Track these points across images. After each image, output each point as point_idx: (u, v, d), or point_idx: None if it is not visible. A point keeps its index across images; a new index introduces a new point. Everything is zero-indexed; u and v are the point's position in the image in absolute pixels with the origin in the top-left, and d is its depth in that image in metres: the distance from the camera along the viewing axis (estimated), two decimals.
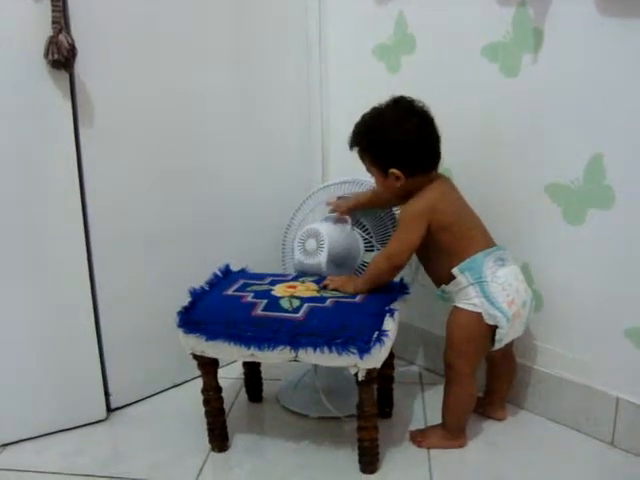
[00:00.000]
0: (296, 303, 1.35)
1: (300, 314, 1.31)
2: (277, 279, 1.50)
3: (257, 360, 1.39)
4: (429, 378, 1.81)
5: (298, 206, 1.73)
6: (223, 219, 1.80)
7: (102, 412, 1.62)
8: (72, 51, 1.36)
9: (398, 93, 1.44)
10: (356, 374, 1.30)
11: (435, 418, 1.52)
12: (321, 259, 1.49)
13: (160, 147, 1.63)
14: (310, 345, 1.27)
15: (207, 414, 1.47)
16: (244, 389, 1.71)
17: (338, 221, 1.58)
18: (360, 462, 1.39)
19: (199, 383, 1.47)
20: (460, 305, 1.41)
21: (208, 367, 1.44)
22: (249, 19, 1.77)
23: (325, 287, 1.44)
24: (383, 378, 1.54)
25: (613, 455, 1.45)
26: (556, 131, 1.45)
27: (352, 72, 1.88)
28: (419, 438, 1.49)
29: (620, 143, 1.35)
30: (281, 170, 1.94)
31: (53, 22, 1.34)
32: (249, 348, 1.32)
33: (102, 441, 1.56)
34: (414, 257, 1.51)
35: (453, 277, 1.41)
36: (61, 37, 1.34)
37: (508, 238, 1.47)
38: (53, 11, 1.33)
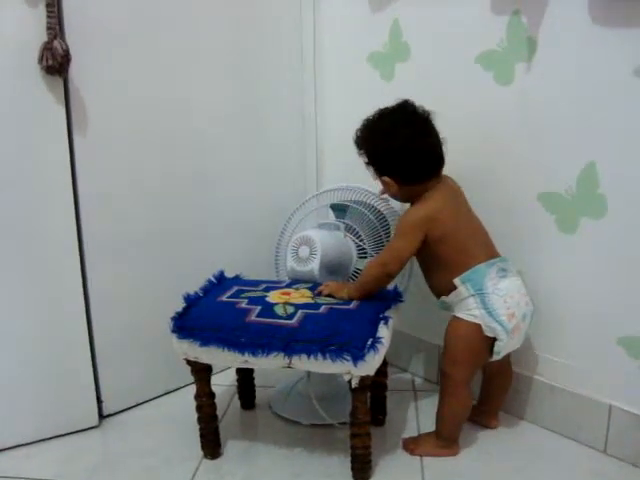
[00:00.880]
0: (290, 310, 1.35)
1: (294, 321, 1.31)
2: (271, 285, 1.50)
3: (251, 366, 1.39)
4: (422, 386, 1.81)
5: (292, 212, 1.74)
6: (217, 225, 1.81)
7: (94, 419, 1.61)
8: (66, 57, 1.37)
9: (392, 101, 1.44)
10: (350, 381, 1.30)
11: (428, 426, 1.52)
12: (314, 266, 1.49)
13: (154, 153, 1.63)
14: (304, 352, 1.27)
15: (200, 420, 1.46)
16: (237, 396, 1.71)
17: (331, 228, 1.59)
18: (352, 470, 1.38)
19: (192, 390, 1.46)
20: (460, 315, 1.40)
21: (201, 373, 1.43)
22: (244, 26, 1.78)
23: (319, 293, 1.44)
24: (376, 385, 1.54)
25: (606, 463, 1.45)
26: (549, 140, 1.46)
27: (347, 80, 1.89)
28: (412, 446, 1.49)
29: (613, 151, 1.36)
30: (275, 176, 1.94)
31: (48, 28, 1.34)
32: (243, 354, 1.32)
33: (94, 448, 1.55)
34: (408, 265, 1.52)
35: (452, 288, 1.40)
36: (55, 43, 1.35)
37: (502, 246, 1.47)
38: (48, 17, 1.34)
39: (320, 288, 1.44)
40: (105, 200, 1.56)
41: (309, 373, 1.57)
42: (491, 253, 1.43)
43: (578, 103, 1.39)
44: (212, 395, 1.46)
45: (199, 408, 1.45)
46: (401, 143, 1.38)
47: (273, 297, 1.41)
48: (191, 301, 1.44)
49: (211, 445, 1.48)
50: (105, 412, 1.65)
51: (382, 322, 1.33)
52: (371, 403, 1.56)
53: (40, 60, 1.35)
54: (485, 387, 1.58)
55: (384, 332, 1.31)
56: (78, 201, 1.51)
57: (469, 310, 1.38)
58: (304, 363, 1.29)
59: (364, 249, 1.59)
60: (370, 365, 1.27)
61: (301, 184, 1.99)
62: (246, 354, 1.31)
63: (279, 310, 1.34)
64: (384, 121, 1.42)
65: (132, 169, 1.60)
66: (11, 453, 1.50)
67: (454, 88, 1.61)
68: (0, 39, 1.34)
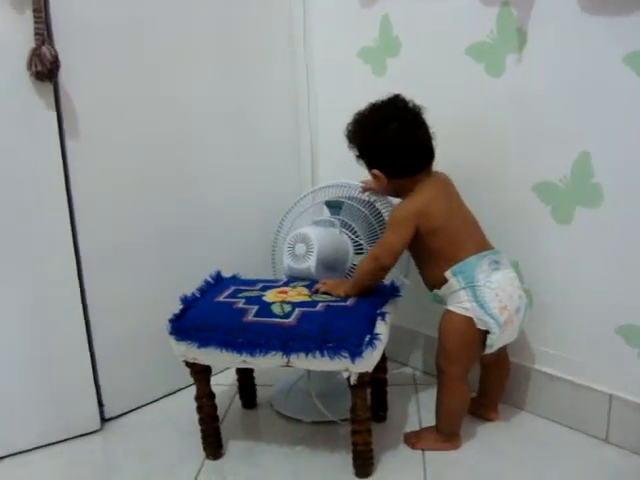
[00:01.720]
0: (287, 308, 1.35)
1: (291, 319, 1.31)
2: (268, 285, 1.50)
3: (249, 366, 1.39)
4: (423, 379, 1.81)
5: (287, 210, 1.73)
6: (213, 225, 1.80)
7: (96, 422, 1.61)
8: (55, 63, 1.36)
9: (384, 95, 1.44)
10: (348, 378, 1.30)
11: (430, 419, 1.52)
12: (310, 263, 1.49)
13: (147, 154, 1.63)
14: (302, 350, 1.27)
15: (201, 421, 1.47)
16: (238, 395, 1.71)
17: (327, 225, 1.58)
18: (354, 466, 1.39)
19: (193, 391, 1.46)
20: (452, 308, 1.40)
21: (201, 374, 1.43)
22: (234, 24, 1.77)
23: (316, 291, 1.44)
24: (376, 381, 1.54)
25: (607, 451, 1.45)
26: (542, 130, 1.46)
27: (338, 75, 1.88)
28: (413, 440, 1.49)
29: (606, 141, 1.36)
30: (270, 174, 1.94)
31: (36, 34, 1.34)
32: (241, 354, 1.32)
33: (97, 451, 1.56)
34: (404, 259, 1.52)
35: (445, 281, 1.40)
36: (44, 49, 1.34)
37: (497, 238, 1.46)
38: (35, 23, 1.33)
39: (317, 286, 1.44)
40: (100, 203, 1.55)
41: (309, 371, 1.57)
42: (483, 245, 1.43)
43: (569, 93, 1.39)
44: (212, 396, 1.46)
45: (200, 409, 1.46)
46: (391, 136, 1.39)
47: (270, 296, 1.41)
48: (188, 302, 1.44)
49: (213, 445, 1.48)
50: (107, 415, 1.65)
51: (379, 318, 1.33)
52: (372, 399, 1.56)
53: (29, 66, 1.35)
54: (483, 380, 1.58)
55: (382, 328, 1.31)
56: (72, 205, 1.50)
57: (461, 303, 1.38)
58: (302, 361, 1.29)
59: (360, 245, 1.59)
60: (368, 361, 1.27)
61: (296, 181, 1.98)
62: (244, 354, 1.31)
63: (276, 309, 1.34)
64: (374, 114, 1.43)
65: (125, 172, 1.59)
66: (13, 460, 1.51)
67: (446, 81, 1.61)
68: None
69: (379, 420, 1.58)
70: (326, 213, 1.66)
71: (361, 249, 1.59)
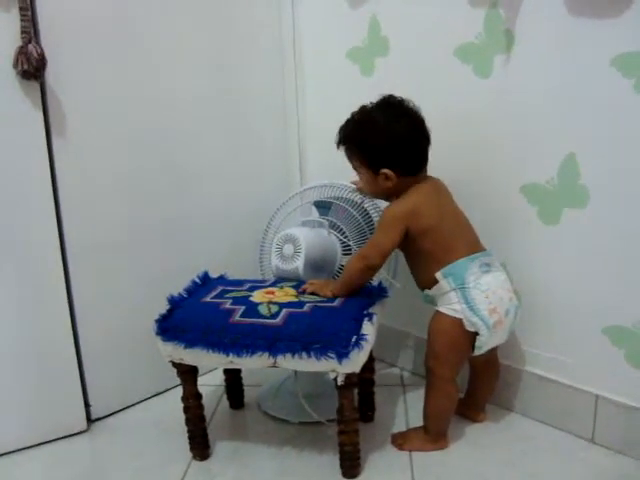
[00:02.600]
0: (274, 309, 1.34)
1: (278, 320, 1.31)
2: (256, 285, 1.50)
3: (236, 367, 1.39)
4: (411, 380, 1.81)
5: (276, 210, 1.73)
6: (201, 225, 1.80)
7: (82, 423, 1.60)
8: (42, 61, 1.36)
9: (373, 95, 1.44)
10: (335, 379, 1.30)
11: (417, 420, 1.52)
12: (298, 264, 1.49)
13: (135, 154, 1.63)
14: (288, 351, 1.27)
15: (187, 422, 1.46)
16: (225, 396, 1.70)
17: (315, 225, 1.58)
18: (341, 467, 1.38)
19: (180, 391, 1.45)
20: (442, 309, 1.40)
21: (187, 375, 1.43)
22: (223, 24, 1.77)
23: (304, 292, 1.43)
24: (364, 382, 1.54)
25: (594, 451, 1.46)
26: (530, 131, 1.46)
27: (327, 75, 1.89)
28: (400, 441, 1.49)
29: (593, 142, 1.36)
30: (259, 175, 1.94)
31: (22, 32, 1.33)
32: (228, 355, 1.31)
33: (83, 452, 1.55)
34: (392, 260, 1.52)
35: (435, 282, 1.40)
36: (30, 47, 1.34)
37: (485, 239, 1.46)
38: (22, 21, 1.33)
39: (304, 286, 1.44)
40: (86, 202, 1.55)
41: (296, 371, 1.57)
42: (474, 248, 1.43)
43: (556, 94, 1.40)
44: (199, 396, 1.45)
45: (186, 409, 1.45)
46: (405, 131, 1.39)
47: (257, 297, 1.40)
48: (175, 303, 1.43)
49: (200, 446, 1.48)
50: (93, 416, 1.64)
51: (366, 319, 1.32)
52: (359, 399, 1.56)
53: (15, 65, 1.34)
54: (472, 381, 1.58)
55: (368, 329, 1.31)
56: (59, 204, 1.50)
57: (450, 304, 1.38)
58: (289, 362, 1.29)
59: (348, 246, 1.59)
60: (355, 362, 1.27)
61: (284, 182, 1.98)
62: (231, 355, 1.30)
63: (263, 310, 1.34)
64: (384, 112, 1.41)
65: (113, 171, 1.59)
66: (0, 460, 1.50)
67: (434, 81, 1.61)
68: None
69: (366, 420, 1.58)
70: (315, 213, 1.66)
71: (349, 250, 1.59)
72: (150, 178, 1.66)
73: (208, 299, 1.43)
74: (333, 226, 1.61)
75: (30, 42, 1.34)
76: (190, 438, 1.47)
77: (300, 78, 1.95)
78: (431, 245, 1.39)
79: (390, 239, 1.39)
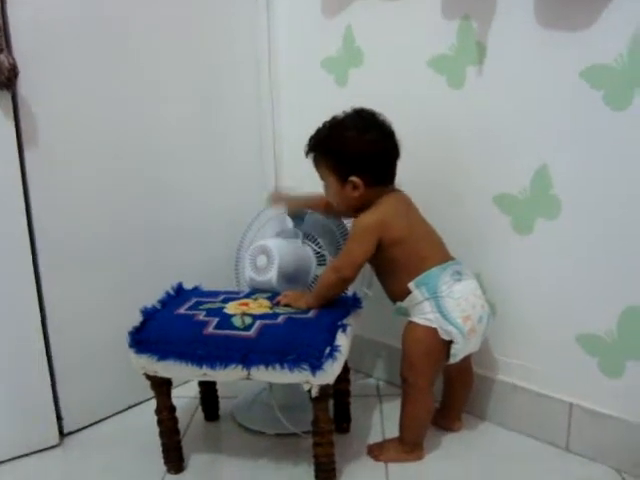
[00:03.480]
0: (248, 321, 1.33)
1: (252, 332, 1.30)
2: (230, 296, 1.49)
3: (210, 379, 1.38)
4: (387, 390, 1.81)
5: (251, 221, 1.72)
6: (176, 236, 1.79)
7: (55, 437, 1.58)
8: (13, 71, 1.34)
9: (347, 105, 1.44)
10: (309, 390, 1.29)
11: (393, 430, 1.51)
12: (272, 275, 1.48)
13: (108, 165, 1.61)
14: (262, 363, 1.26)
15: (161, 435, 1.45)
16: (200, 408, 1.69)
17: (289, 236, 1.58)
18: (317, 478, 1.38)
19: (154, 403, 1.44)
20: (415, 320, 1.41)
21: (161, 387, 1.41)
22: (198, 35, 1.77)
23: (278, 303, 1.43)
24: (339, 393, 1.54)
25: (568, 459, 1.47)
26: (502, 142, 1.47)
27: (302, 85, 1.89)
28: (376, 452, 1.49)
29: (564, 153, 1.38)
30: (234, 185, 1.93)
31: None
32: (201, 367, 1.30)
33: (55, 467, 1.52)
34: (366, 270, 1.51)
35: (408, 292, 1.40)
36: (2, 57, 1.32)
37: (459, 249, 1.47)
38: None
39: (278, 298, 1.43)
40: (59, 214, 1.53)
41: (271, 383, 1.56)
42: (445, 257, 1.43)
43: (528, 106, 1.41)
44: (173, 409, 1.44)
45: (160, 422, 1.44)
46: (376, 139, 1.39)
47: (231, 308, 1.40)
48: (148, 314, 1.42)
49: (174, 459, 1.46)
50: (66, 430, 1.62)
51: (340, 330, 1.32)
52: (335, 410, 1.56)
53: None
54: (447, 390, 1.58)
55: (342, 340, 1.31)
56: (31, 217, 1.48)
57: (424, 314, 1.39)
58: (263, 374, 1.28)
59: (323, 256, 1.59)
60: (329, 374, 1.26)
61: (259, 192, 1.97)
62: (204, 367, 1.29)
63: (237, 321, 1.33)
64: (356, 120, 1.41)
65: (86, 182, 1.57)
66: None
67: (408, 92, 1.62)
68: None
69: (342, 431, 1.58)
70: (290, 224, 1.66)
71: (324, 260, 1.58)
72: (124, 190, 1.65)
73: (182, 311, 1.42)
74: (307, 236, 1.60)
75: (2, 52, 1.33)
76: (164, 451, 1.46)
77: (275, 88, 1.95)
78: (403, 255, 1.40)
79: (362, 250, 1.39)
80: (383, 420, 1.65)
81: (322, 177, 1.47)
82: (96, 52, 1.55)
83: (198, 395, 1.68)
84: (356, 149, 1.39)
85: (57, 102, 1.49)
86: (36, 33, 1.43)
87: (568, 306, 1.44)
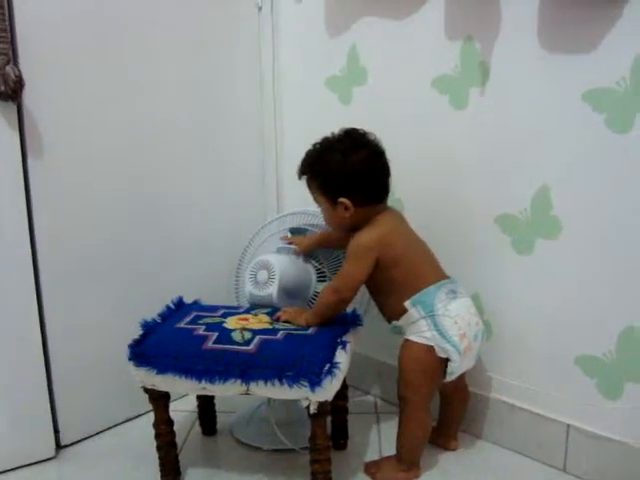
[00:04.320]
0: (248, 336, 1.34)
1: (251, 347, 1.30)
2: (230, 311, 1.49)
3: (209, 393, 1.38)
4: (385, 408, 1.81)
5: (252, 236, 1.73)
6: (177, 250, 1.80)
7: (51, 450, 1.57)
8: (19, 83, 1.35)
9: (350, 124, 1.45)
10: (308, 407, 1.29)
11: (391, 448, 1.51)
12: (272, 290, 1.49)
13: (111, 178, 1.62)
14: (261, 378, 1.26)
15: (158, 449, 1.44)
16: (198, 422, 1.69)
17: (290, 252, 1.58)
18: None
19: (151, 417, 1.44)
20: (412, 338, 1.41)
21: (159, 401, 1.41)
22: (203, 51, 1.79)
23: (278, 319, 1.43)
24: (337, 409, 1.54)
25: None
26: (504, 163, 1.48)
27: (306, 103, 1.90)
28: (373, 470, 1.48)
29: (564, 174, 1.39)
30: (236, 201, 1.94)
31: (0, 54, 1.32)
32: (200, 382, 1.30)
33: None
34: (365, 290, 1.52)
35: (404, 311, 1.41)
36: (8, 69, 1.33)
37: (459, 268, 1.48)
38: (0, 43, 1.32)
39: (278, 314, 1.43)
40: (61, 225, 1.54)
41: (269, 398, 1.56)
42: (440, 275, 1.44)
43: (530, 127, 1.42)
44: (171, 423, 1.44)
45: (158, 436, 1.43)
46: (364, 159, 1.39)
47: (231, 323, 1.40)
48: (149, 328, 1.42)
49: (171, 473, 1.46)
50: (62, 442, 1.62)
51: (340, 347, 1.32)
52: (332, 427, 1.56)
53: None
54: (443, 409, 1.58)
55: (342, 357, 1.31)
56: (33, 229, 1.48)
57: (421, 332, 1.39)
58: (262, 389, 1.28)
59: (323, 272, 1.59)
60: (328, 391, 1.26)
61: (261, 208, 1.98)
62: (203, 381, 1.29)
63: (236, 336, 1.33)
64: (343, 141, 1.43)
65: (88, 193, 1.58)
66: None
67: (411, 111, 1.63)
68: None
69: (339, 448, 1.58)
70: None
71: (324, 276, 1.59)
72: (126, 204, 1.66)
73: (182, 325, 1.42)
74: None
75: (8, 64, 1.34)
76: (161, 465, 1.45)
77: (279, 106, 1.96)
78: (401, 274, 1.40)
79: (361, 270, 1.39)
80: (380, 438, 1.65)
81: (315, 199, 1.48)
82: (101, 65, 1.56)
83: (196, 409, 1.68)
84: (342, 172, 1.39)
85: (61, 114, 1.50)
86: (42, 45, 1.44)
87: (567, 327, 1.45)
